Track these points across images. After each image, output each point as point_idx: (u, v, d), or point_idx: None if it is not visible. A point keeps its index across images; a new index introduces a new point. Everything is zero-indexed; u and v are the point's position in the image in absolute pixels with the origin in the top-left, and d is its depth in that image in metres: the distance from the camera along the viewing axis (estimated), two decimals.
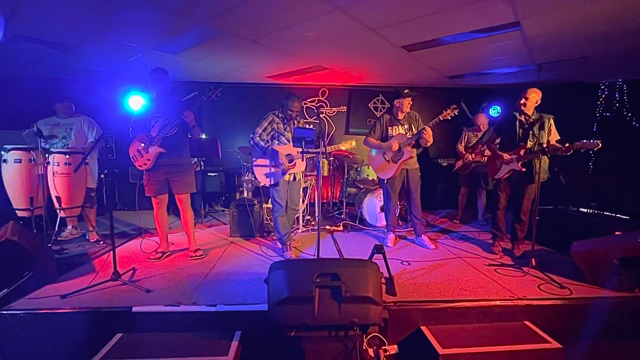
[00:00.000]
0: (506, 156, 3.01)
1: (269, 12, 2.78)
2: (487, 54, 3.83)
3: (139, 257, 3.06)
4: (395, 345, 2.18)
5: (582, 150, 2.71)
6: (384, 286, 2.23)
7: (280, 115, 3.06)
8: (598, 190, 4.28)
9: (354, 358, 1.84)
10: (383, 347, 2.09)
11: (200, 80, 5.23)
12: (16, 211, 3.10)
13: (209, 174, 5.02)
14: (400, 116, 3.35)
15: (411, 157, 3.28)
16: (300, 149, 2.55)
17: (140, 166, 2.89)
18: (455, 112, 3.05)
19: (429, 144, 3.18)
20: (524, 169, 2.93)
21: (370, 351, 2.04)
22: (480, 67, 4.45)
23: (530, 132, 2.89)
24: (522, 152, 2.92)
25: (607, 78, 4.93)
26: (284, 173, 3.02)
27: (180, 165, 2.96)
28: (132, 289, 2.38)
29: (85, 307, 2.14)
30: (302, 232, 4.05)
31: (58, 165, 3.11)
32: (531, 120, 2.92)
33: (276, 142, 3.05)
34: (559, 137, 2.98)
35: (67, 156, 3.14)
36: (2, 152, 3.13)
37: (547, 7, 2.60)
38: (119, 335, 2.08)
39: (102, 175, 3.87)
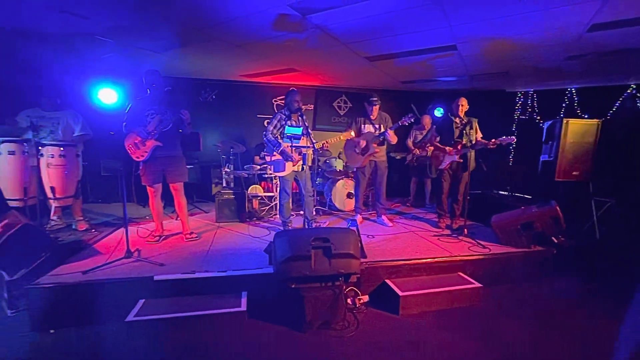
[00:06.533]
0: (450, 150, 3.83)
1: (259, 28, 3.23)
2: (433, 65, 4.65)
3: (137, 241, 3.35)
4: (367, 295, 2.85)
5: (503, 144, 3.61)
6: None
7: (286, 112, 3.59)
8: (515, 177, 5.44)
9: (340, 301, 2.45)
10: (358, 297, 2.74)
11: (172, 75, 5.40)
12: (7, 202, 3.19)
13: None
14: (373, 117, 4.02)
15: (377, 152, 3.96)
16: (290, 144, 3.07)
17: (137, 157, 3.19)
18: (412, 120, 3.78)
19: (392, 143, 3.92)
20: (460, 160, 3.79)
21: (349, 300, 2.69)
22: (428, 75, 5.30)
23: (464, 131, 3.74)
24: (459, 147, 3.77)
25: (522, 87, 6.13)
26: (286, 161, 3.50)
27: (175, 157, 3.32)
28: (146, 264, 2.75)
29: (109, 278, 2.48)
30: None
31: (53, 157, 3.24)
32: (464, 122, 3.78)
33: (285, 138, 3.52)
34: (482, 135, 3.88)
35: (62, 148, 3.29)
36: None
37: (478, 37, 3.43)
38: (142, 300, 2.47)
39: None
